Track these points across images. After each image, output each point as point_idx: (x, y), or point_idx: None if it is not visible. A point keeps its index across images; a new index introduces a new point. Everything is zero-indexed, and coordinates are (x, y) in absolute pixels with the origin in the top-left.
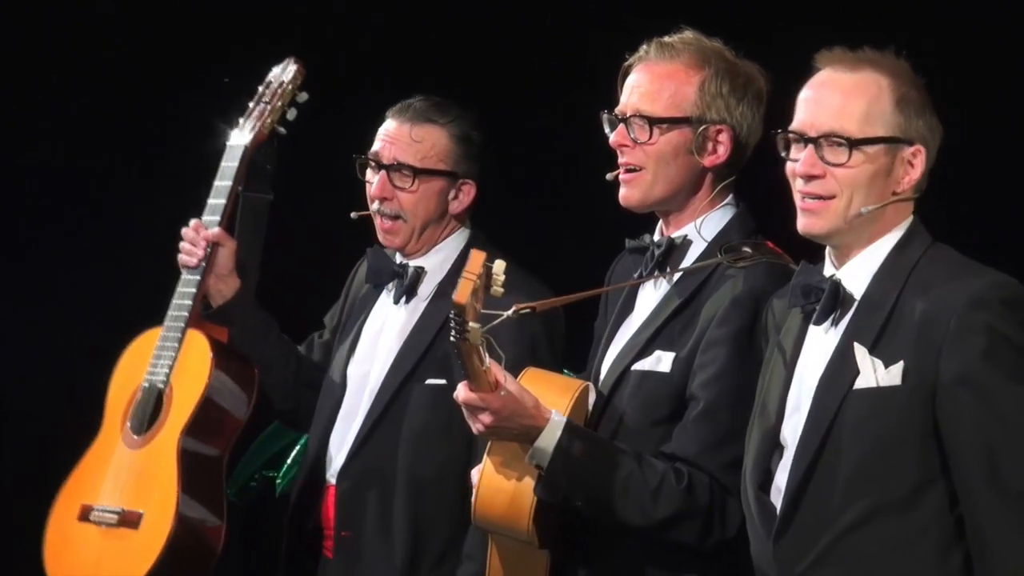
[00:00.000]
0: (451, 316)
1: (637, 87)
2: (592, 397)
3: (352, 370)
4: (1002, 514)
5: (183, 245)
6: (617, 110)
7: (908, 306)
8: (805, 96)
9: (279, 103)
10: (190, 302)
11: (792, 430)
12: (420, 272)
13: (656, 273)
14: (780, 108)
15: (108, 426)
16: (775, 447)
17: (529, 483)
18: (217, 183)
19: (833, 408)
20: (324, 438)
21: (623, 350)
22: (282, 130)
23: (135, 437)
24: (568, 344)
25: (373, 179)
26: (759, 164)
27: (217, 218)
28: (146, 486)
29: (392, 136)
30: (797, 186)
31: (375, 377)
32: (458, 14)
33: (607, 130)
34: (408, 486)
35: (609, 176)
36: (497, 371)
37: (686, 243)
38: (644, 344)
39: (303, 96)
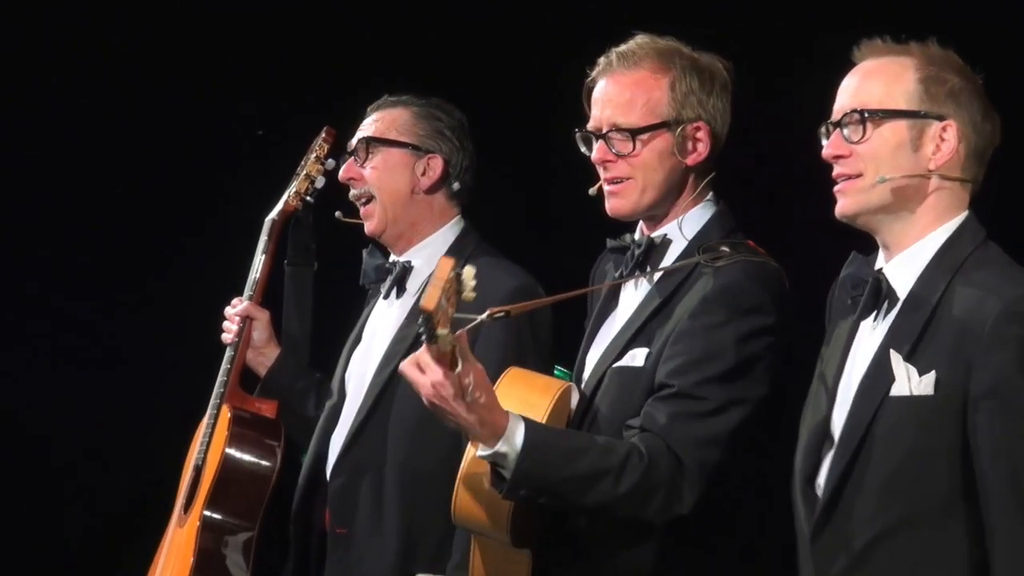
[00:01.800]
0: (419, 322)
1: (608, 100)
2: (575, 397)
3: (352, 371)
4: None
5: (224, 324)
6: (591, 127)
7: (948, 311)
8: (840, 88)
9: (305, 173)
10: (226, 378)
11: (837, 425)
12: (408, 268)
13: (637, 273)
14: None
15: (176, 505)
16: (826, 438)
17: None
18: (254, 259)
19: (870, 413)
20: (324, 439)
21: (606, 351)
22: (311, 199)
23: (183, 514)
24: (561, 341)
25: None
26: (741, 161)
27: (250, 293)
28: (180, 563)
29: (360, 127)
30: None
31: (368, 373)
32: (457, 15)
33: (582, 148)
34: (400, 478)
35: (592, 191)
36: (474, 373)
37: (666, 242)
38: (624, 345)
39: (330, 163)
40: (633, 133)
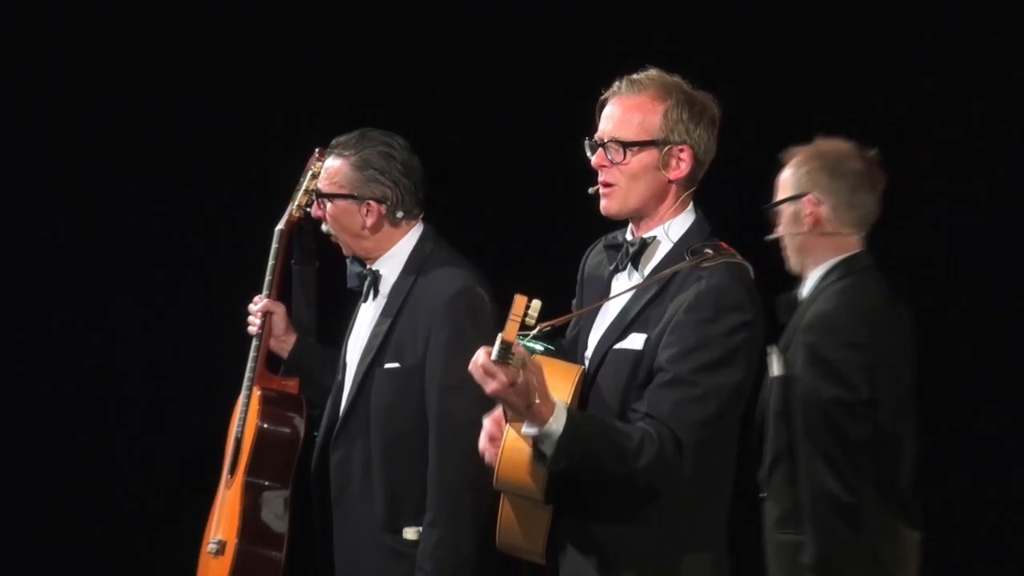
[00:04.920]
0: (497, 348)
1: (611, 117)
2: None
3: (347, 357)
4: None
5: (249, 318)
6: (596, 136)
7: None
8: None
9: (304, 188)
10: (254, 364)
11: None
12: (378, 275)
13: (630, 267)
14: None
15: (223, 472)
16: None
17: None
18: (268, 263)
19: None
20: (335, 411)
21: (605, 334)
22: (310, 210)
23: (228, 478)
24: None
25: None
26: (714, 181)
27: (267, 291)
28: (229, 519)
29: (321, 170)
30: None
31: (355, 363)
32: (459, 37)
33: (588, 153)
34: (382, 452)
35: (591, 190)
36: (531, 372)
37: (655, 243)
38: (623, 328)
39: None
40: (625, 145)
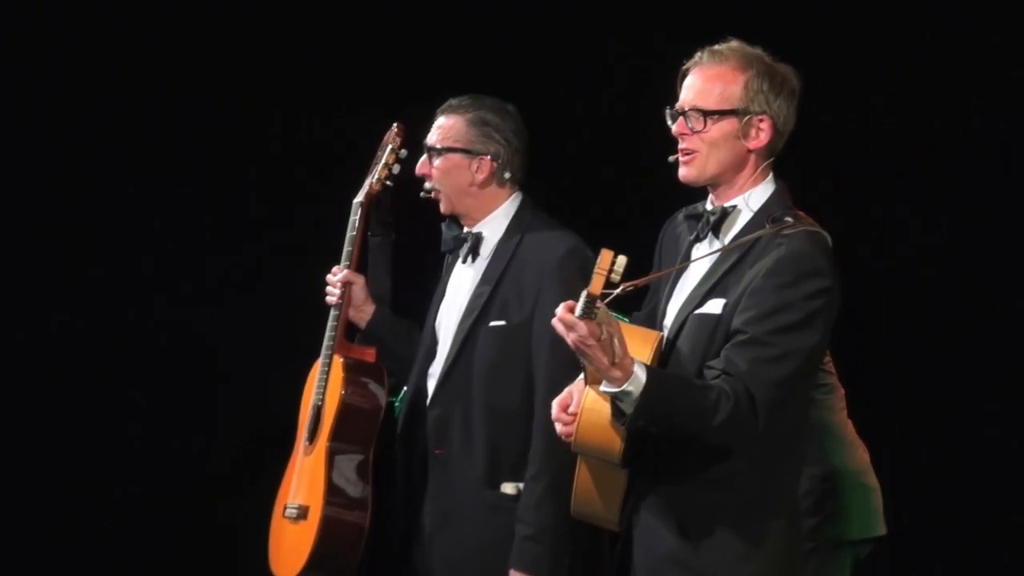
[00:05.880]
0: (583, 302)
1: (692, 86)
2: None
3: (440, 319)
4: None
5: (327, 288)
6: (677, 105)
7: None
8: None
9: (384, 162)
10: (334, 333)
11: None
12: (479, 237)
13: (711, 236)
14: None
15: (298, 438)
16: None
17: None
18: (347, 235)
19: None
20: (423, 376)
21: (686, 300)
22: (389, 183)
23: (308, 445)
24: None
25: None
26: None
27: (347, 263)
28: (311, 484)
29: (433, 127)
30: None
31: (453, 323)
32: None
33: (669, 122)
34: (484, 409)
35: (671, 158)
36: (612, 328)
37: (736, 211)
38: (703, 295)
39: (403, 152)
40: (706, 114)
